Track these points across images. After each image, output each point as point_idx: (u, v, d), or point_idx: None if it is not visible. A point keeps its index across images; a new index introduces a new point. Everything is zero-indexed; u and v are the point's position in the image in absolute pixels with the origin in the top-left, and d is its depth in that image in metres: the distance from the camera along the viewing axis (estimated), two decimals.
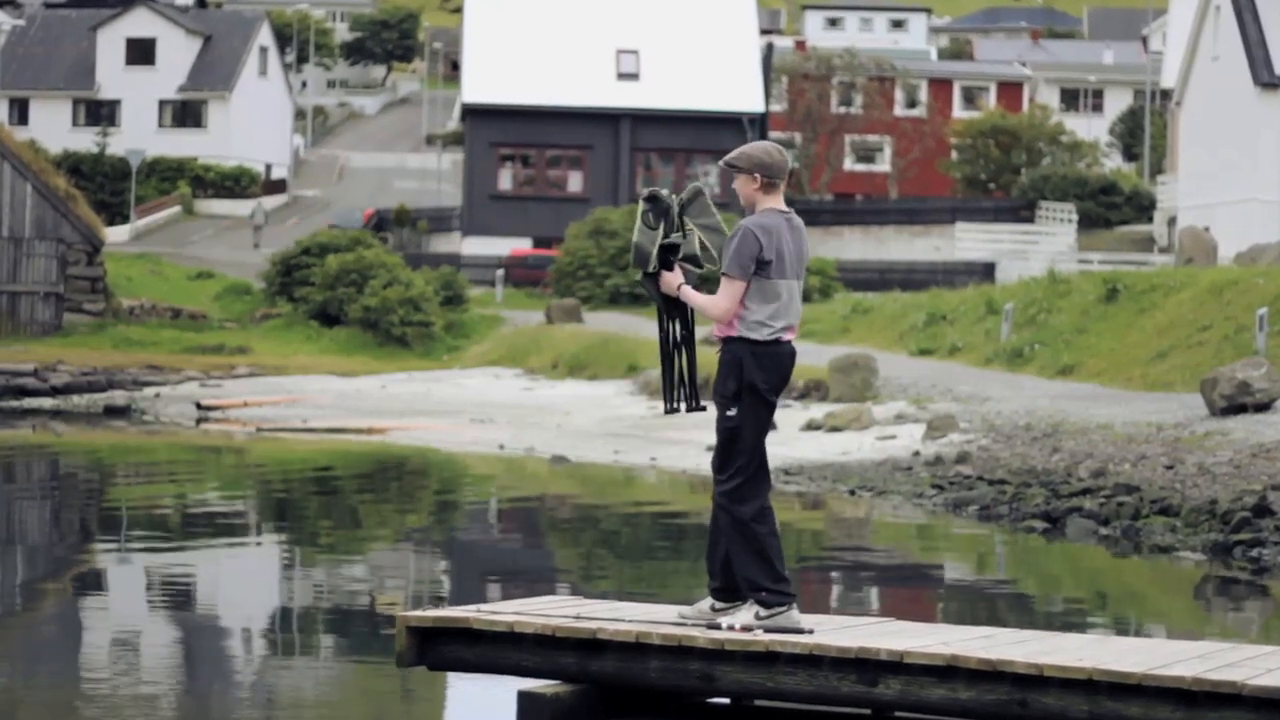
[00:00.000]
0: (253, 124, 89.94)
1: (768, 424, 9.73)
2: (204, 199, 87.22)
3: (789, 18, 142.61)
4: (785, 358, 9.69)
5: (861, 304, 50.36)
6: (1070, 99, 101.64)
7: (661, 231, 9.81)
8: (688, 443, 29.82)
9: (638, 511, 23.97)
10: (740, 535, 9.60)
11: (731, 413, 9.61)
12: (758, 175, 9.80)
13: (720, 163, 10.11)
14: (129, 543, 20.04)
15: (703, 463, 27.52)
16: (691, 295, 9.78)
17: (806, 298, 57.05)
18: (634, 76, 74.66)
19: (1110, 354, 35.20)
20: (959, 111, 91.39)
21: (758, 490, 9.64)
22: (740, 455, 9.61)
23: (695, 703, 9.87)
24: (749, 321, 9.62)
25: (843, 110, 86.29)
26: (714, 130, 73.97)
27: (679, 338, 9.91)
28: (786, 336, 9.69)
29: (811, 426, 31.14)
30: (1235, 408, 26.27)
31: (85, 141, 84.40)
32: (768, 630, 9.44)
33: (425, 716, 11.74)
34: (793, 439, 30.11)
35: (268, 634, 14.48)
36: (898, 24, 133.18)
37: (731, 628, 9.43)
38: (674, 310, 9.90)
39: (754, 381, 9.59)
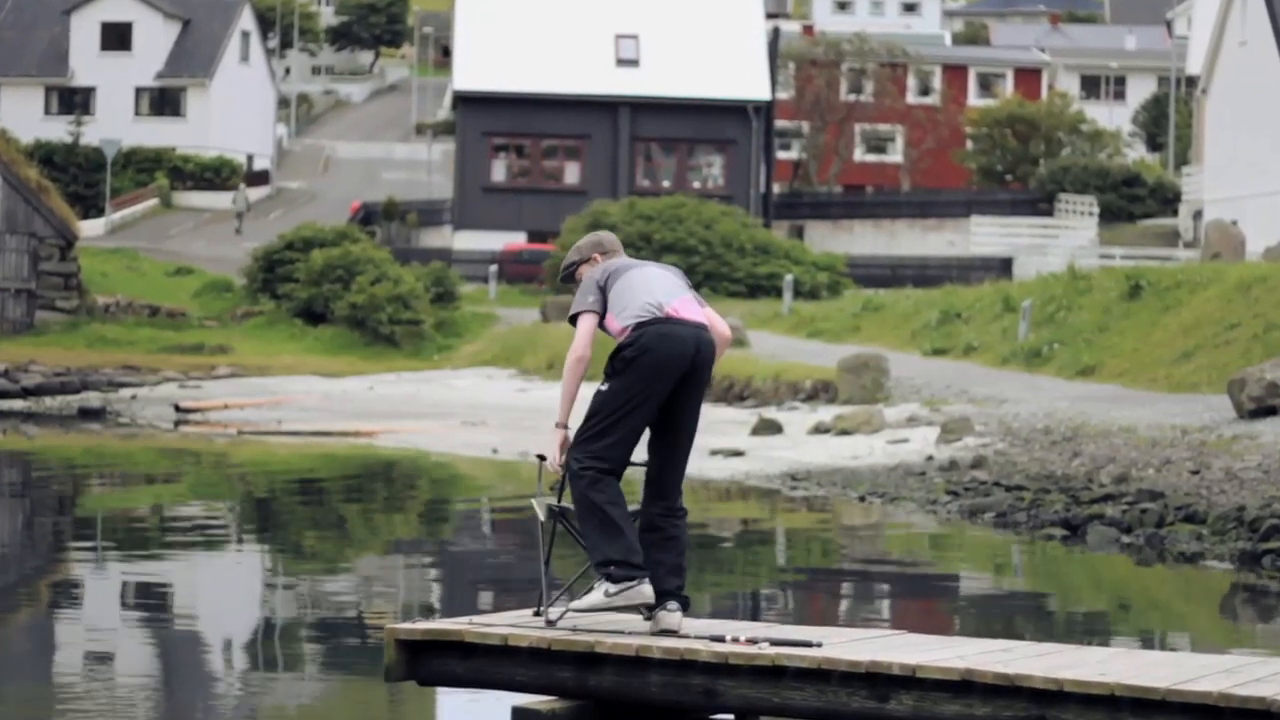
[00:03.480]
0: (234, 112, 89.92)
1: (643, 404, 9.60)
2: (183, 191, 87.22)
3: (796, 1, 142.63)
4: (674, 339, 9.60)
5: (872, 301, 50.38)
6: (1091, 86, 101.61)
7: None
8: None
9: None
10: (579, 506, 9.64)
11: (603, 387, 9.66)
12: (596, 255, 10.01)
13: (561, 280, 10.28)
14: (104, 552, 20.05)
15: (705, 467, 27.51)
16: (564, 387, 9.78)
17: (814, 294, 57.44)
18: (634, 63, 74.67)
19: (1133, 354, 35.22)
20: (974, 99, 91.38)
21: (598, 466, 9.59)
22: (595, 418, 9.61)
23: (698, 719, 9.87)
24: (623, 321, 9.65)
25: (852, 98, 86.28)
26: (717, 119, 74.00)
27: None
28: (668, 313, 9.64)
29: (819, 429, 31.15)
30: (1264, 410, 26.27)
31: (58, 131, 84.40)
32: (612, 608, 9.50)
33: None
34: (800, 442, 30.13)
35: (250, 647, 14.49)
36: (910, 7, 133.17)
37: (737, 639, 9.44)
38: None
39: (630, 357, 9.58)
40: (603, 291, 9.73)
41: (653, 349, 9.56)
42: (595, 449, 9.60)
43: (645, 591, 9.56)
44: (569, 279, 10.06)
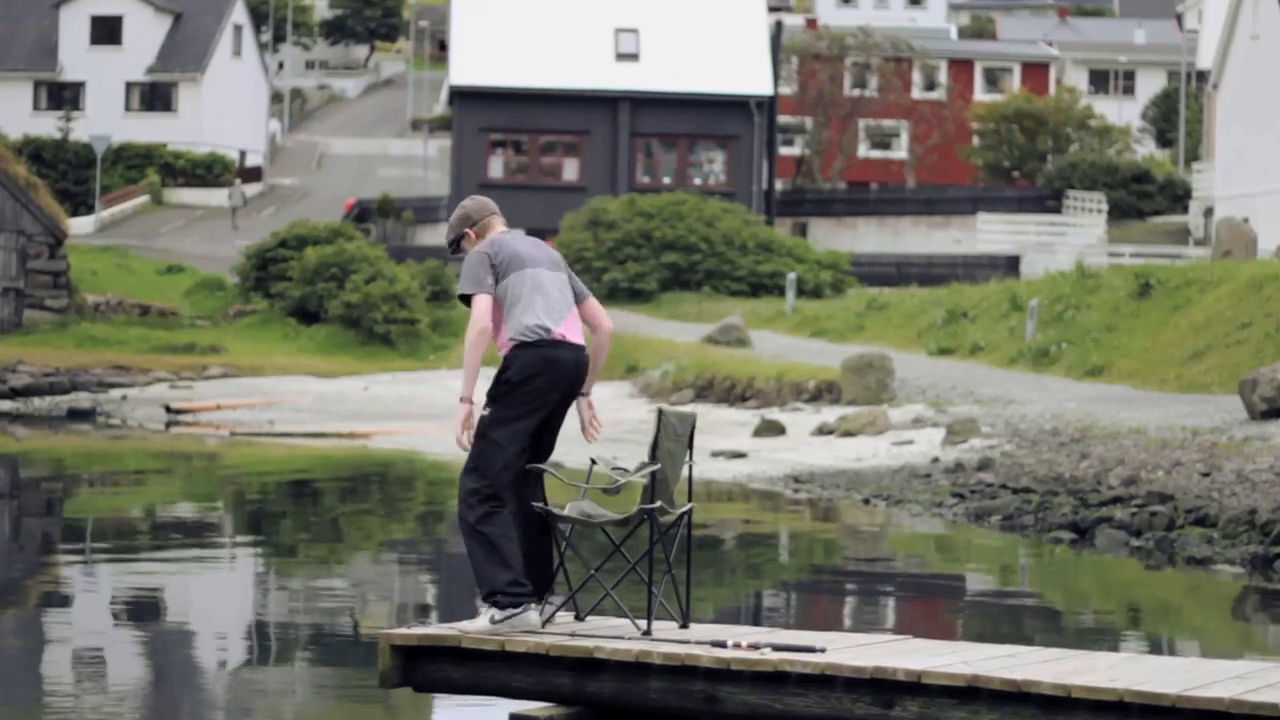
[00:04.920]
0: (226, 108, 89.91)
1: (526, 432, 9.98)
2: (174, 188, 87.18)
3: None
4: (562, 363, 9.98)
5: (877, 300, 50.38)
6: (1100, 81, 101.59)
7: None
8: None
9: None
10: (470, 538, 9.99)
11: (486, 411, 9.95)
12: (469, 230, 10.25)
13: (452, 253, 10.48)
14: (94, 556, 20.04)
15: (706, 470, 27.50)
16: (467, 362, 10.00)
17: (817, 293, 57.41)
18: (633, 57, 74.67)
19: (1142, 354, 35.21)
20: (981, 94, 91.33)
21: (494, 495, 9.93)
22: (481, 455, 9.90)
23: None
24: (516, 328, 9.94)
25: (857, 93, 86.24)
26: (719, 114, 73.96)
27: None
28: (556, 337, 9.97)
29: (823, 431, 31.15)
30: (1276, 411, 26.27)
31: (47, 126, 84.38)
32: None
33: None
34: (803, 444, 30.13)
35: (242, 654, 14.48)
36: (915, 1, 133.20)
37: (739, 645, 9.43)
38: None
39: (516, 381, 9.89)
40: (495, 276, 9.99)
41: (540, 374, 9.92)
42: (487, 478, 9.91)
43: (531, 619, 9.91)
44: (456, 249, 10.30)
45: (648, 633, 9.84)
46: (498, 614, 9.88)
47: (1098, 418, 28.59)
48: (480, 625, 9.89)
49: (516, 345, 9.92)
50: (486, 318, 9.92)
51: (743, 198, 71.00)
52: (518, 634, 9.78)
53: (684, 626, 10.11)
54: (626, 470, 10.21)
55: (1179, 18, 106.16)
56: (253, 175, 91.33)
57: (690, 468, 10.36)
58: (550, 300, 10.01)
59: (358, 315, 52.06)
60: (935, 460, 27.03)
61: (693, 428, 10.30)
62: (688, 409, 10.40)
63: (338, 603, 17.06)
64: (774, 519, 24.09)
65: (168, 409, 40.20)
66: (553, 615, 10.09)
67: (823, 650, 9.35)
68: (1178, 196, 78.37)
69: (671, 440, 10.10)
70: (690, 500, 10.41)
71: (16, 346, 49.32)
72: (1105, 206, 76.18)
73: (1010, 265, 66.27)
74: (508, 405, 9.90)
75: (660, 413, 10.07)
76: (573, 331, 10.05)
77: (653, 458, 10.04)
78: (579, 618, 10.28)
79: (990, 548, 20.96)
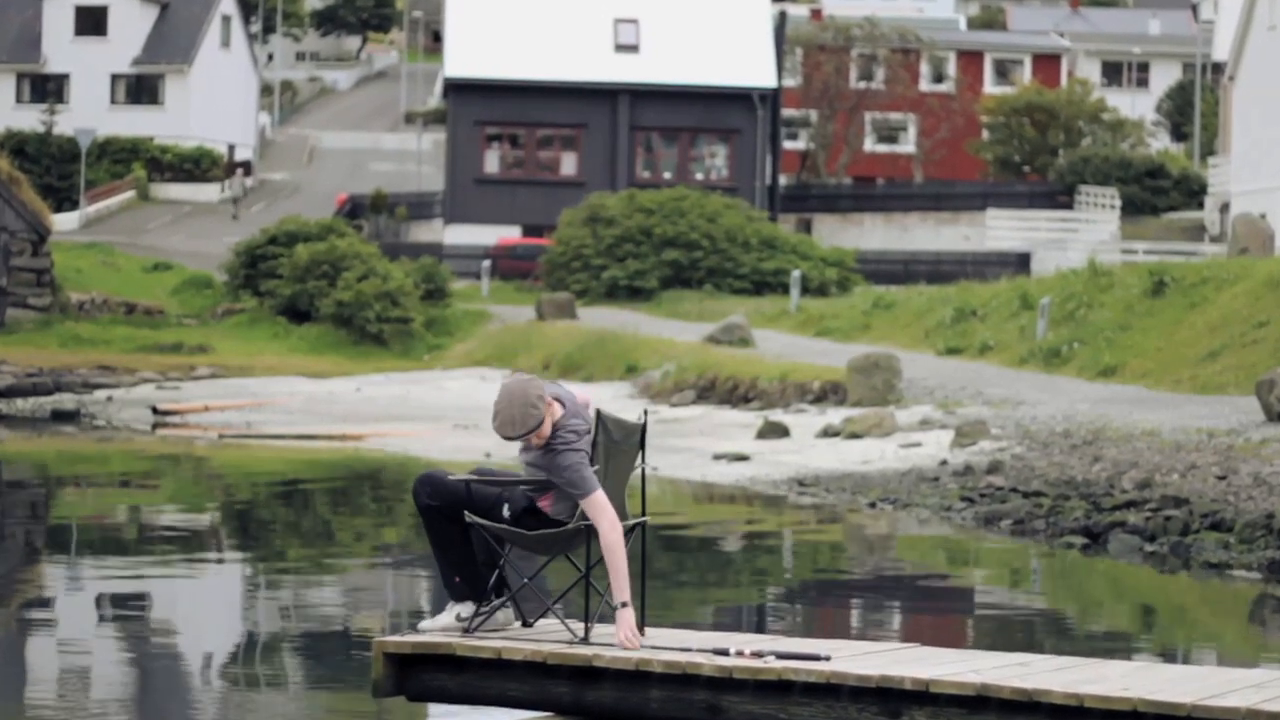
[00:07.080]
0: (214, 101, 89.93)
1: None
2: (161, 183, 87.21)
3: None
4: None
5: (883, 298, 50.39)
6: (1113, 73, 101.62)
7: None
8: (690, 450, 29.82)
9: (635, 524, 23.91)
10: (427, 523, 10.19)
11: (506, 510, 10.19)
12: (554, 401, 10.17)
13: (514, 436, 10.22)
14: (78, 562, 20.04)
15: (709, 472, 27.51)
16: (618, 566, 10.06)
17: (822, 291, 57.50)
18: (633, 48, 74.68)
19: (1157, 353, 35.23)
20: (990, 86, 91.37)
21: (447, 512, 10.15)
22: (462, 493, 10.14)
23: None
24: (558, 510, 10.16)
25: (863, 85, 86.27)
26: (721, 107, 73.99)
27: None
28: None
29: (828, 433, 31.16)
30: None
31: (30, 120, 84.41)
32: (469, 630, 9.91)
33: None
34: (808, 446, 30.13)
35: (231, 662, 14.49)
36: None
37: (741, 653, 9.44)
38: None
39: (550, 532, 10.13)
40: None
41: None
42: (448, 503, 10.06)
43: (500, 619, 10.03)
44: (526, 434, 10.13)
45: (584, 639, 9.84)
46: (464, 611, 9.97)
47: (1110, 419, 28.60)
48: (444, 622, 9.97)
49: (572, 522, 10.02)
50: (612, 509, 9.92)
51: (745, 193, 71.02)
52: (514, 641, 9.77)
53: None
54: None
55: (1194, 8, 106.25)
56: (242, 170, 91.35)
57: (644, 479, 10.30)
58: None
59: (350, 314, 52.08)
60: (943, 463, 27.04)
61: (642, 438, 10.22)
62: (631, 419, 10.29)
63: (329, 609, 17.06)
64: (778, 522, 24.10)
65: (154, 410, 40.22)
66: (483, 621, 10.09)
67: (828, 658, 9.35)
68: (1193, 192, 78.38)
69: (608, 444, 10.02)
70: (644, 514, 10.37)
71: None
72: (1118, 202, 76.20)
73: (1020, 262, 66.31)
74: (523, 527, 10.01)
75: (599, 414, 10.00)
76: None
77: (591, 459, 9.99)
78: (526, 624, 10.25)
79: (1000, 553, 20.97)
